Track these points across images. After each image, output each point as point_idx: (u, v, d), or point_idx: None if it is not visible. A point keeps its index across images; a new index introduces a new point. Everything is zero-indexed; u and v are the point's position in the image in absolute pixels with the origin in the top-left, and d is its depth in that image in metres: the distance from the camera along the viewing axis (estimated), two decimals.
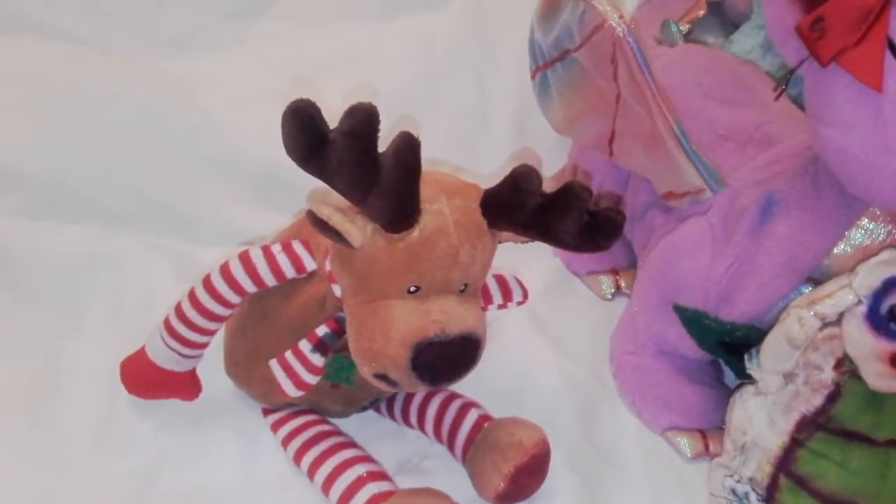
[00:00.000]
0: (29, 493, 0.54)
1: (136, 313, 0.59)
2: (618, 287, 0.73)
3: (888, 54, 0.45)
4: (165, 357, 0.56)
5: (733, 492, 0.55)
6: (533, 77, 0.71)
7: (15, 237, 0.69)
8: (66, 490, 0.55)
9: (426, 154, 0.45)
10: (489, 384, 0.62)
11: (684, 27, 0.76)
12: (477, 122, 0.79)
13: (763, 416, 0.54)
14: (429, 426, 0.59)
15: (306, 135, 0.43)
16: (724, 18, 0.76)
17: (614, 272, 0.74)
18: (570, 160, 0.75)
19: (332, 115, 0.44)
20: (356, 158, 0.43)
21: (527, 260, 0.63)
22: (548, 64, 0.68)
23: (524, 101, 0.76)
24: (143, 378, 0.57)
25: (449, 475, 0.57)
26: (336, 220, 0.45)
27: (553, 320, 0.70)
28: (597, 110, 0.65)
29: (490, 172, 0.73)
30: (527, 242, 0.51)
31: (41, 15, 0.75)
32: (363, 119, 0.43)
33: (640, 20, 0.75)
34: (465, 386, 0.61)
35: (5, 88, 0.72)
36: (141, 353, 0.57)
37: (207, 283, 0.53)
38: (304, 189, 0.46)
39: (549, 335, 0.68)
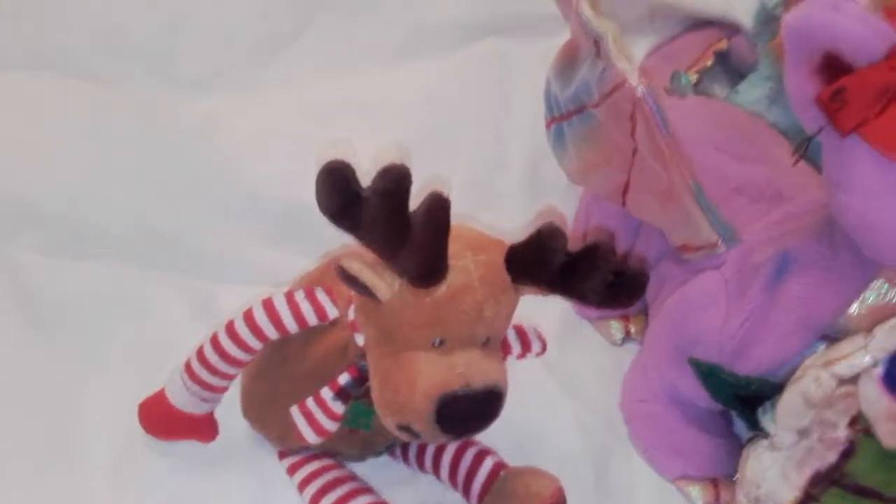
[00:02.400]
0: None
1: (154, 353, 0.59)
2: (627, 332, 0.74)
3: None
4: (185, 400, 0.56)
5: None
6: (548, 127, 0.72)
7: (35, 275, 0.69)
8: None
9: None
10: (503, 431, 0.62)
11: (693, 77, 0.77)
12: (490, 169, 0.80)
13: (777, 471, 0.55)
14: (444, 472, 0.59)
15: (340, 194, 0.44)
16: (731, 68, 0.77)
17: (624, 318, 0.75)
18: (582, 208, 0.76)
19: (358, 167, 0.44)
20: (388, 217, 0.44)
21: (537, 304, 0.63)
22: (564, 116, 0.69)
23: (538, 148, 0.77)
24: (161, 420, 0.58)
25: None
26: (366, 276, 0.46)
27: (565, 366, 0.70)
28: (612, 163, 0.66)
29: (503, 219, 0.74)
30: (546, 295, 0.52)
31: (61, 52, 0.75)
32: (396, 179, 0.44)
33: (649, 70, 0.76)
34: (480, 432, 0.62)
35: (26, 126, 0.73)
36: (160, 395, 0.57)
37: (230, 329, 0.54)
38: (323, 229, 0.46)
39: (561, 381, 0.69)
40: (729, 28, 0.75)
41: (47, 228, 0.71)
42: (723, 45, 0.75)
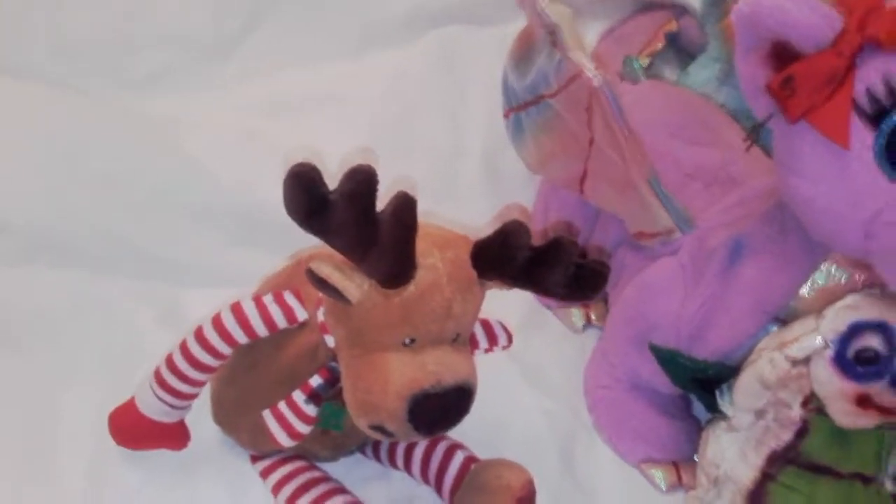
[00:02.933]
0: None
1: (122, 360, 0.59)
2: (588, 319, 0.75)
3: (853, 114, 0.48)
4: (155, 408, 0.56)
5: None
6: (506, 116, 0.72)
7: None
8: None
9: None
10: (469, 423, 0.63)
11: (644, 61, 0.77)
12: (449, 160, 0.81)
13: (735, 451, 0.57)
14: (415, 468, 0.60)
15: (308, 197, 0.44)
16: (681, 50, 0.78)
17: (585, 305, 0.76)
18: (541, 198, 0.77)
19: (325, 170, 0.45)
20: (356, 220, 0.44)
21: (499, 294, 0.64)
22: (522, 106, 0.69)
23: (496, 138, 0.78)
24: (132, 429, 0.57)
25: None
26: (336, 279, 0.46)
27: (528, 355, 0.71)
28: (569, 152, 0.67)
29: (464, 210, 0.74)
30: (511, 289, 0.53)
31: (13, 58, 0.74)
32: (363, 181, 0.44)
33: (602, 55, 0.77)
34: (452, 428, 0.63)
35: None
36: (130, 404, 0.57)
37: (199, 335, 0.53)
38: (289, 228, 0.47)
39: (525, 370, 0.70)
40: (677, 9, 0.75)
41: (7, 237, 0.70)
42: (672, 26, 0.76)
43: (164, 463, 0.59)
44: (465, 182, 0.80)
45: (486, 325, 0.57)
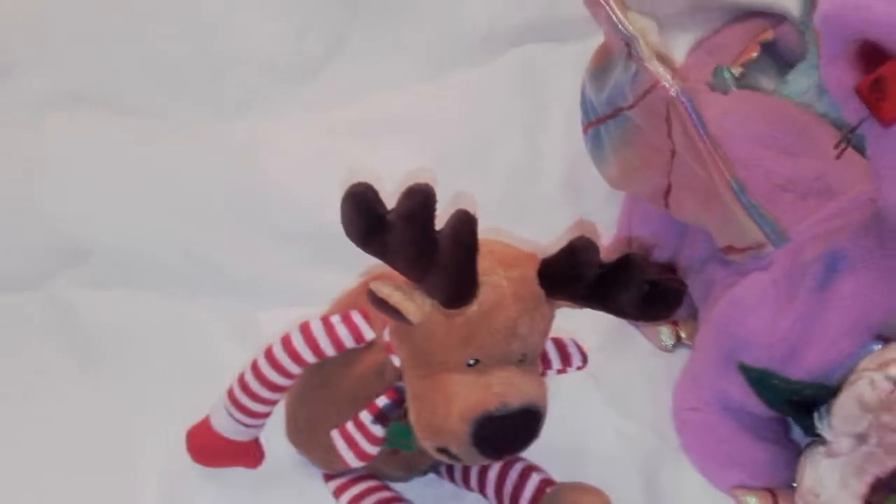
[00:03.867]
0: None
1: (200, 378, 0.60)
2: (678, 338, 0.72)
3: None
4: (229, 427, 0.57)
5: None
6: (585, 132, 0.70)
7: (84, 308, 0.71)
8: None
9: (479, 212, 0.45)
10: (548, 444, 0.61)
11: (737, 71, 0.74)
12: (529, 179, 0.80)
13: (836, 479, 0.53)
14: (490, 490, 0.59)
15: (365, 218, 0.44)
16: (779, 58, 0.75)
17: (674, 323, 0.73)
18: (624, 214, 0.74)
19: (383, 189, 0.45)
20: (414, 240, 0.44)
21: (581, 312, 0.62)
22: (601, 120, 0.67)
23: (576, 156, 0.76)
24: (207, 448, 0.58)
25: None
26: (396, 300, 0.46)
27: (611, 375, 0.69)
28: (651, 165, 0.64)
29: (543, 230, 0.73)
30: (582, 308, 0.51)
31: (101, 86, 0.77)
32: (421, 201, 0.44)
33: (692, 66, 0.74)
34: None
35: (69, 162, 0.75)
36: (205, 422, 0.58)
37: (269, 355, 0.54)
38: (361, 250, 0.47)
39: (608, 391, 0.68)
40: (774, 17, 0.73)
41: (93, 261, 0.73)
42: (768, 35, 0.73)
43: (240, 481, 0.59)
44: (545, 201, 0.79)
45: (560, 345, 0.56)
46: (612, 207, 0.75)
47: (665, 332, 0.73)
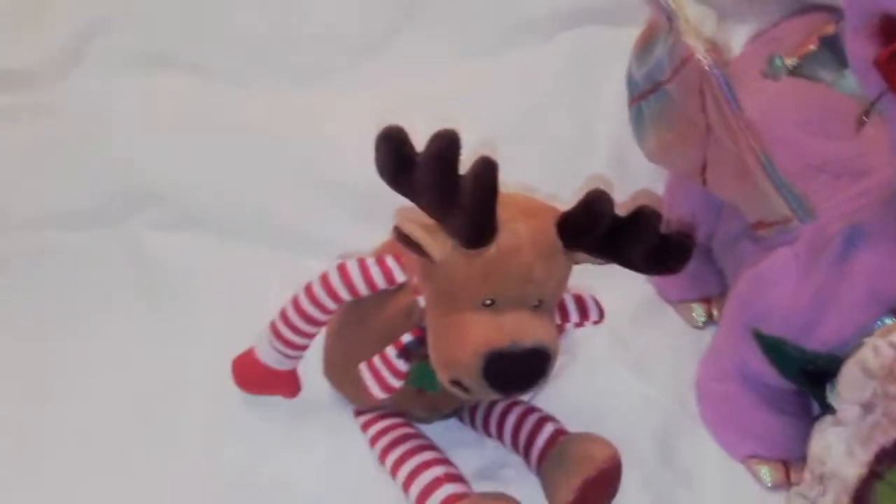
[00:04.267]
0: (139, 475, 0.61)
1: (248, 316, 0.64)
2: (710, 316, 0.74)
3: None
4: (271, 356, 0.61)
5: None
6: (630, 107, 0.73)
7: (153, 248, 0.77)
8: (173, 475, 0.61)
9: (525, 182, 0.48)
10: (569, 400, 0.64)
11: (792, 61, 0.75)
12: (577, 154, 0.82)
13: (842, 447, 0.54)
14: (507, 437, 0.62)
15: (395, 157, 0.48)
16: (839, 53, 0.75)
17: (707, 301, 0.74)
18: (667, 190, 0.76)
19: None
20: (438, 180, 0.47)
21: (617, 285, 0.64)
22: (642, 95, 0.69)
23: (624, 133, 0.78)
24: (250, 375, 0.63)
25: (523, 485, 0.59)
26: (418, 235, 0.50)
27: (639, 344, 0.71)
28: (688, 141, 0.66)
29: None
30: (603, 264, 0.54)
31: (184, 52, 0.83)
32: (445, 144, 0.47)
33: (749, 56, 0.75)
34: (545, 400, 0.64)
35: (151, 117, 0.81)
36: (250, 352, 0.63)
37: (308, 291, 0.58)
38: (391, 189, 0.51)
39: (634, 357, 0.70)
40: (837, 12, 0.73)
41: (163, 206, 0.79)
42: (830, 29, 0.73)
43: (278, 409, 0.64)
44: (592, 176, 0.81)
45: (579, 300, 0.58)
46: (659, 184, 0.76)
47: (698, 310, 0.74)
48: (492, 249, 0.49)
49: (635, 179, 0.80)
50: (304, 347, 0.61)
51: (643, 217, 0.49)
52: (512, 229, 0.50)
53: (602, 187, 0.50)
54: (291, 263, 0.73)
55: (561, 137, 0.83)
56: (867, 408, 0.53)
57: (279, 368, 0.62)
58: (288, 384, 0.64)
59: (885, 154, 0.61)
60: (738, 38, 0.83)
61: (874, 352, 0.51)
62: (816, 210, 0.60)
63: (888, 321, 0.54)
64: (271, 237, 0.78)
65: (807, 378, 0.60)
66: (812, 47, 0.75)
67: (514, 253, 0.50)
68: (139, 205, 0.79)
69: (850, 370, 0.52)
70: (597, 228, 0.49)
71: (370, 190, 0.75)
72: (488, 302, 0.50)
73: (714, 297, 0.74)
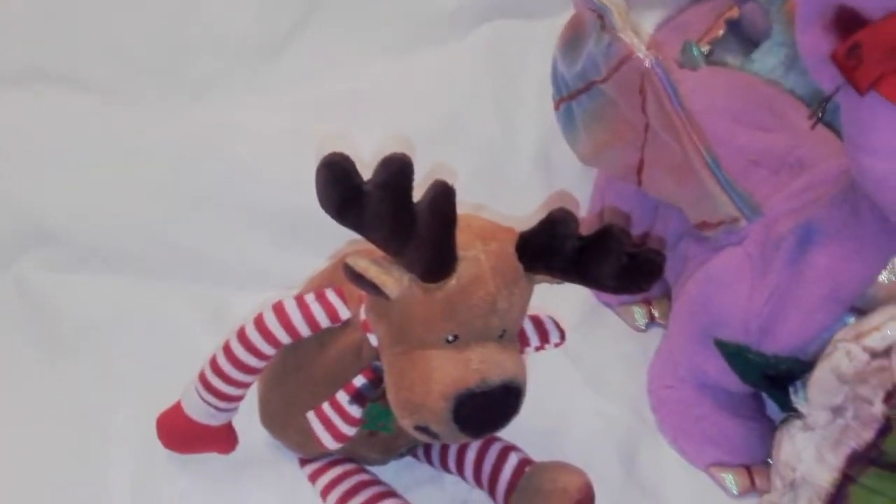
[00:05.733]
0: None
1: (171, 364, 0.59)
2: (651, 317, 0.72)
3: None
4: (201, 411, 0.55)
5: None
6: (556, 108, 0.70)
7: (48, 292, 0.69)
8: None
9: None
10: (527, 425, 0.61)
11: (705, 48, 0.75)
12: (501, 156, 0.79)
13: (812, 452, 0.53)
14: (468, 471, 0.58)
15: (341, 189, 0.43)
16: (744, 37, 0.75)
17: (647, 302, 0.73)
18: (596, 192, 0.74)
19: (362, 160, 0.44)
20: (392, 211, 0.43)
21: (556, 293, 0.62)
22: (573, 95, 0.67)
23: (548, 132, 0.76)
24: (179, 433, 0.57)
25: None
26: (373, 274, 0.45)
27: (587, 355, 0.69)
28: (624, 141, 0.64)
29: (516, 206, 0.72)
30: (561, 283, 0.51)
31: (62, 65, 0.75)
32: (397, 171, 0.43)
33: (660, 43, 0.74)
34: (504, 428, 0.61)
35: (31, 142, 0.73)
36: (177, 407, 0.56)
37: (242, 336, 0.53)
38: (333, 231, 0.46)
39: (585, 371, 0.68)
40: None
41: (57, 244, 0.71)
42: (734, 13, 0.73)
43: (213, 467, 0.58)
44: (517, 177, 0.78)
45: (537, 322, 0.55)
46: (586, 185, 0.74)
47: (638, 312, 0.73)
48: (452, 282, 0.46)
49: (562, 180, 0.78)
50: (238, 398, 0.56)
51: (611, 235, 0.46)
52: (472, 258, 0.46)
53: (565, 205, 0.46)
54: (212, 300, 0.68)
55: (482, 138, 0.80)
56: (837, 411, 0.52)
57: (212, 423, 0.56)
58: (222, 439, 0.58)
59: (819, 145, 0.61)
60: (645, 25, 0.82)
61: (848, 356, 0.50)
62: (762, 207, 0.59)
63: (851, 320, 0.54)
64: (185, 272, 0.71)
65: (768, 382, 0.59)
66: (720, 32, 0.76)
67: (476, 284, 0.46)
68: (27, 245, 0.71)
69: (821, 375, 0.51)
70: (563, 251, 0.46)
71: (292, 210, 0.71)
72: (451, 338, 0.47)
73: (654, 298, 0.73)
